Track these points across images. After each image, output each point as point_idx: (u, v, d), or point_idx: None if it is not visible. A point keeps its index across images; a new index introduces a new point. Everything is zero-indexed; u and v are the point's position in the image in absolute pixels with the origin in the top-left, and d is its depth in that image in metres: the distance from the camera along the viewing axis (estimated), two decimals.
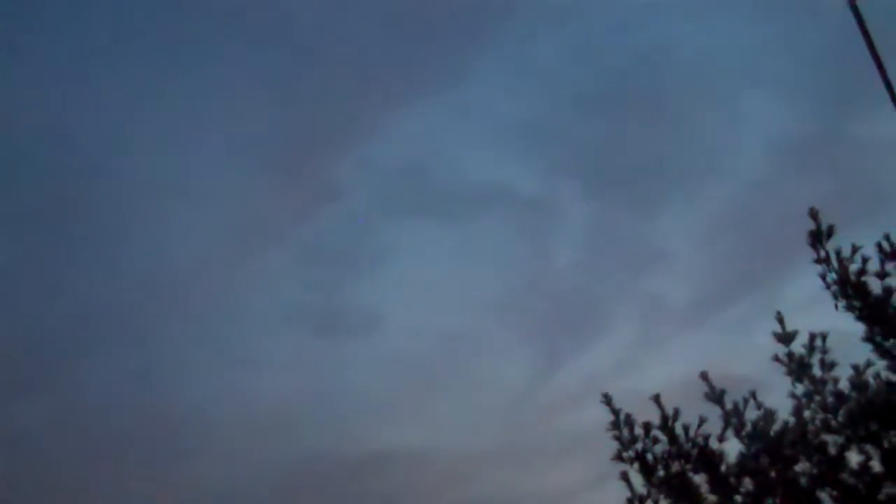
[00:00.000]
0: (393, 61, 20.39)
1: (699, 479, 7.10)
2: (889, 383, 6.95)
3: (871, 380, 7.00)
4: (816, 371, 7.13)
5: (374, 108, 20.52)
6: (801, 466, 6.96)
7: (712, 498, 7.04)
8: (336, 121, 20.42)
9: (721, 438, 7.15)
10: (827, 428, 7.00)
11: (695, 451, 7.13)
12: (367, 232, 21.22)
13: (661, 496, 7.12)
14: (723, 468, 7.07)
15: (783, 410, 7.13)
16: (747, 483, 7.01)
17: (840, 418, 6.98)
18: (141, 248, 20.57)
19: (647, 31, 20.11)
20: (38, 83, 19.75)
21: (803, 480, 6.92)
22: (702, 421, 7.21)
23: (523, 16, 19.94)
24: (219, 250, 20.68)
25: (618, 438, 7.31)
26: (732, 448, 7.13)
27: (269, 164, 20.72)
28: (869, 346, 7.04)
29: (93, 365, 18.86)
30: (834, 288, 7.15)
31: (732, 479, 7.03)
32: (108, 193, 20.14)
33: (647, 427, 7.25)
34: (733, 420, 7.16)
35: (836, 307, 7.14)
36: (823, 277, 7.20)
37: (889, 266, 7.06)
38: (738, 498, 7.00)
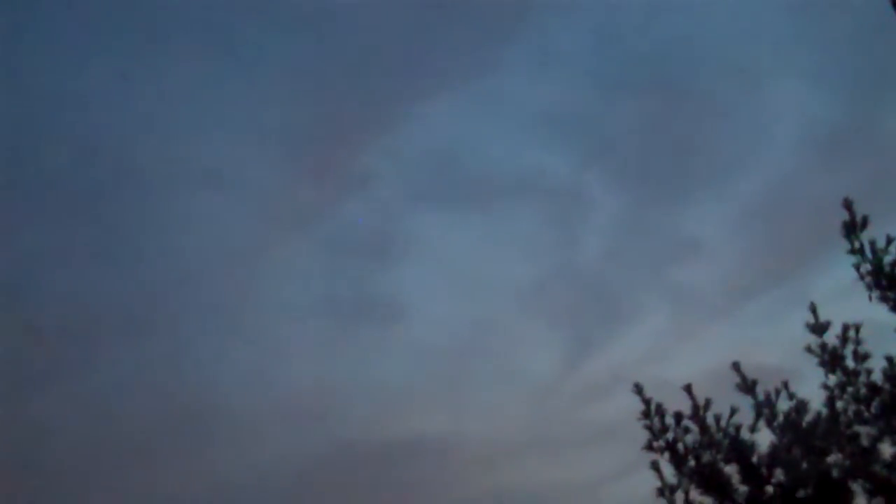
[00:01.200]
0: (421, 50, 20.39)
1: (730, 470, 7.08)
2: None
3: None
4: (849, 362, 7.09)
5: (403, 97, 20.53)
6: (834, 458, 6.93)
7: (743, 489, 7.02)
8: (364, 110, 20.47)
9: (753, 429, 7.13)
10: (860, 419, 6.96)
11: (726, 442, 7.11)
12: (395, 221, 21.26)
13: (692, 486, 7.11)
14: (754, 459, 7.04)
15: (816, 401, 7.11)
16: (779, 474, 6.98)
17: (873, 410, 6.94)
18: (165, 236, 20.70)
19: (678, 18, 19.96)
20: (68, 70, 19.91)
21: (835, 472, 6.88)
22: (733, 411, 7.19)
23: (552, 3, 19.86)
24: (245, 239, 20.79)
25: (649, 428, 7.30)
26: (764, 439, 7.12)
27: (297, 152, 20.80)
28: None
29: (116, 354, 19.04)
30: (868, 279, 7.11)
31: (764, 470, 7.00)
32: (134, 181, 20.30)
33: (679, 417, 7.24)
34: (765, 411, 7.13)
35: (870, 298, 7.10)
36: (857, 268, 7.15)
37: None
38: (770, 489, 6.98)
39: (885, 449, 6.84)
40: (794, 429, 7.00)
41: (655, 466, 7.20)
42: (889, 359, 6.97)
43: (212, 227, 20.74)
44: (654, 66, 19.70)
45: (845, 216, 7.22)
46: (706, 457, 7.14)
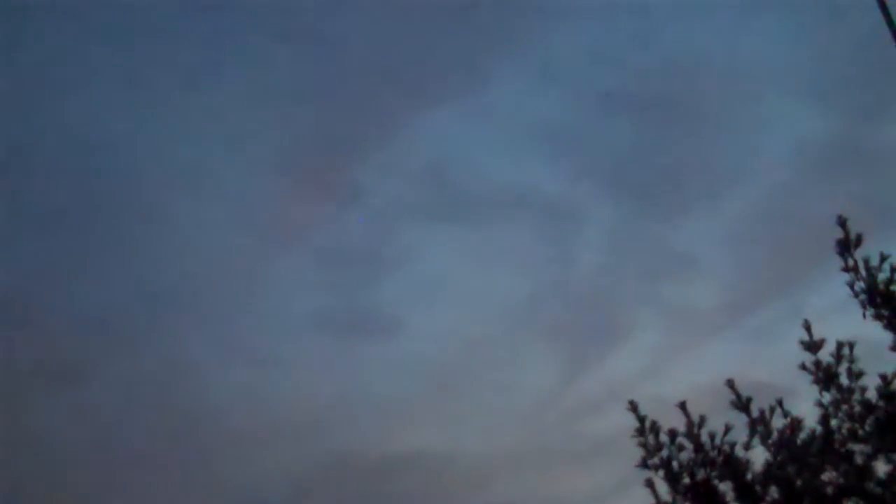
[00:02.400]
0: (415, 64, 20.43)
1: (725, 487, 7.07)
2: None
3: None
4: (844, 380, 7.09)
5: (396, 111, 20.58)
6: (828, 475, 6.92)
7: None
8: (358, 124, 20.51)
9: (747, 446, 7.13)
10: (854, 437, 6.96)
11: (720, 459, 7.11)
12: (388, 235, 21.26)
13: None
14: (749, 476, 7.04)
15: (810, 419, 7.12)
16: (773, 492, 6.98)
17: (867, 427, 6.95)
18: (161, 249, 20.68)
19: (672, 33, 20.04)
20: (56, 84, 19.92)
21: (830, 489, 6.88)
22: (728, 428, 7.19)
23: (545, 17, 19.92)
24: (240, 252, 20.77)
25: (643, 445, 7.29)
26: (759, 456, 7.12)
27: (291, 166, 20.81)
28: None
29: (111, 367, 18.98)
30: (862, 297, 7.12)
31: (758, 488, 7.00)
32: (128, 194, 20.29)
33: (673, 434, 7.23)
34: (760, 428, 7.13)
35: (864, 316, 7.11)
36: (851, 286, 7.17)
37: None
38: None
39: (880, 467, 6.85)
40: (789, 446, 7.00)
41: (650, 484, 7.19)
42: (883, 377, 6.98)
43: (206, 241, 20.73)
44: (649, 81, 19.77)
45: (839, 232, 7.24)
46: (701, 474, 7.13)
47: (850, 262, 7.18)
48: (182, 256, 20.50)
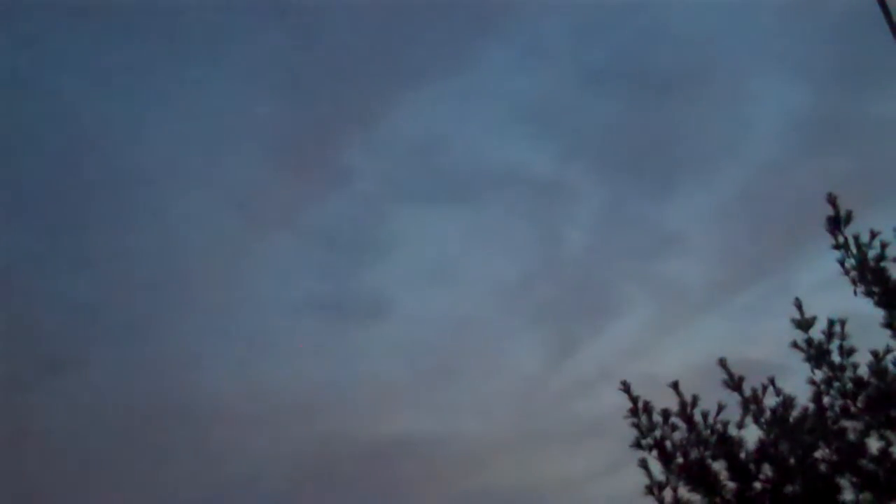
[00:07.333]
0: (402, 44, 20.28)
1: (718, 466, 7.10)
2: None
3: (890, 365, 6.96)
4: (835, 357, 7.11)
5: (384, 92, 20.40)
6: (821, 453, 6.95)
7: (731, 485, 7.04)
8: (345, 104, 20.36)
9: (740, 425, 7.15)
10: (846, 414, 6.99)
11: (714, 438, 7.13)
12: (377, 216, 21.17)
13: (680, 483, 7.12)
14: (742, 455, 7.06)
15: (802, 396, 7.14)
16: (767, 470, 7.00)
17: (859, 404, 6.97)
18: (148, 234, 20.55)
19: (659, 9, 19.92)
20: (46, 70, 19.75)
21: (823, 467, 6.90)
22: (720, 408, 7.21)
23: None
24: (227, 236, 20.66)
25: (636, 425, 7.30)
26: (752, 435, 7.14)
27: (278, 148, 20.68)
28: (888, 332, 7.00)
29: (103, 355, 18.90)
30: (853, 273, 7.12)
31: (752, 466, 7.02)
32: (116, 180, 20.15)
33: (666, 414, 7.25)
34: (752, 407, 7.15)
35: (855, 293, 7.12)
36: (842, 263, 7.17)
37: None
38: (758, 485, 7.00)
39: (872, 443, 6.87)
40: (782, 424, 7.02)
41: (643, 464, 7.20)
42: (875, 353, 7.00)
43: (193, 226, 20.62)
44: (636, 58, 19.68)
45: (829, 209, 7.24)
46: (694, 454, 7.15)
47: (841, 240, 7.19)
48: (171, 242, 20.39)
